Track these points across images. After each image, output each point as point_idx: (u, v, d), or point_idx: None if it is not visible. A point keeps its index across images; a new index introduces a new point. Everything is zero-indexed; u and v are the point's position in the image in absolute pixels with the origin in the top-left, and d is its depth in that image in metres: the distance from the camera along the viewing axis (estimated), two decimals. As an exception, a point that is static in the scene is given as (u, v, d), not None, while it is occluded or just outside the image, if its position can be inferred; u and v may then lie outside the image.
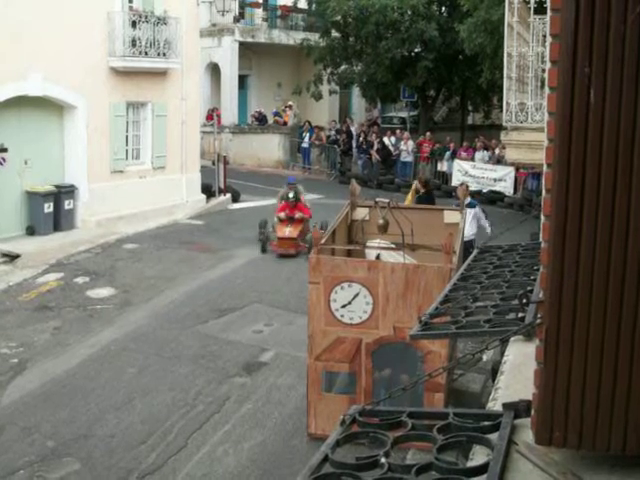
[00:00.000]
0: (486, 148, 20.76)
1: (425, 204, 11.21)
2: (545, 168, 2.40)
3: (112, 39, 15.36)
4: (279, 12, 27.80)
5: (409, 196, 12.51)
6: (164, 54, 16.33)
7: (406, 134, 22.69)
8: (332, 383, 7.80)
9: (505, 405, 2.67)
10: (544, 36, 7.66)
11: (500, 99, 13.02)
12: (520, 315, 2.92)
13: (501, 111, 9.42)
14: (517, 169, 19.05)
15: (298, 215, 14.32)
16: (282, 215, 14.25)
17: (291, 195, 14.49)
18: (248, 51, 26.32)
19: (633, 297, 2.28)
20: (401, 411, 2.65)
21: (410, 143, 22.14)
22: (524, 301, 2.82)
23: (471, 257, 4.15)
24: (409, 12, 22.44)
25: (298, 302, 10.96)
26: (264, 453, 7.24)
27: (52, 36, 14.04)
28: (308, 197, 18.87)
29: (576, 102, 2.23)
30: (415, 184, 12.71)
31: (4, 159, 14.04)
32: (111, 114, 15.68)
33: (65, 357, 9.37)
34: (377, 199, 8.81)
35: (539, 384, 2.40)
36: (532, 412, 2.49)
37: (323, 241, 7.44)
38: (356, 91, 27.90)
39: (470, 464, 2.42)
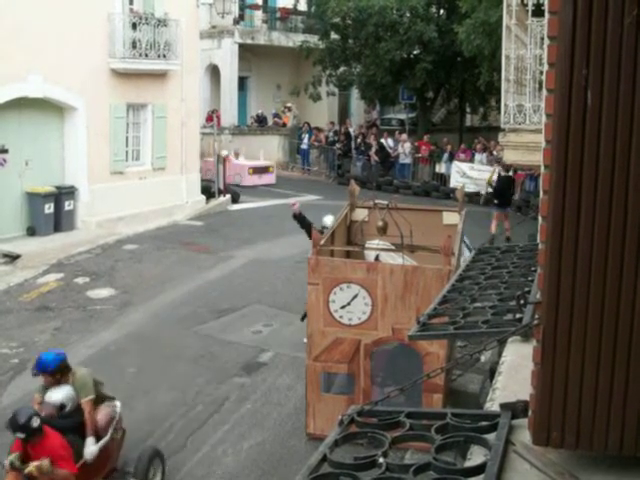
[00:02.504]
0: (485, 149, 20.78)
1: (507, 183, 16.12)
2: (542, 170, 2.41)
3: (112, 41, 15.36)
4: (279, 14, 27.81)
5: (491, 175, 16.85)
6: (164, 56, 16.33)
7: (403, 136, 22.70)
8: (331, 384, 7.81)
9: (503, 405, 2.68)
10: (542, 38, 7.68)
11: (498, 101, 13.05)
12: (518, 316, 2.93)
13: (499, 113, 9.44)
14: (515, 171, 19.04)
15: (36, 466, 5.53)
16: (12, 459, 5.60)
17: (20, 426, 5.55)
18: (248, 53, 26.32)
19: (630, 298, 2.30)
20: (399, 411, 2.66)
21: (407, 145, 22.15)
22: (522, 302, 2.84)
23: (469, 258, 4.16)
24: (408, 14, 22.45)
25: (297, 303, 10.96)
26: (263, 453, 7.26)
27: (52, 37, 14.04)
28: (306, 199, 18.80)
29: (573, 104, 2.25)
30: (495, 166, 17.00)
31: (5, 160, 14.05)
32: (111, 115, 15.69)
33: (65, 358, 9.37)
34: (376, 200, 8.82)
35: (536, 385, 2.42)
36: (529, 412, 2.50)
37: (322, 242, 7.45)
38: (355, 93, 27.90)
39: (468, 464, 2.43)
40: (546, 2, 2.51)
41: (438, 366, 5.92)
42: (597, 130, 2.24)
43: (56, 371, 6.06)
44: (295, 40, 26.34)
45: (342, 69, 24.93)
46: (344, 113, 29.31)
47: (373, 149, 22.55)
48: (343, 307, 7.15)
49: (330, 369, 7.47)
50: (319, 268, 7.14)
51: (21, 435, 5.56)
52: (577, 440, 2.38)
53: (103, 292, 11.89)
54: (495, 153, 19.70)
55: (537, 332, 2.42)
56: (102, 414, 6.35)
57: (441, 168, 21.50)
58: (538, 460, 2.43)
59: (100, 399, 6.36)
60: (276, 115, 26.26)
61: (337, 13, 22.67)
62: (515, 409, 2.63)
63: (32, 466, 5.56)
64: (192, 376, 8.92)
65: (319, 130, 24.57)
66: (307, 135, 24.28)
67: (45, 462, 5.55)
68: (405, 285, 6.96)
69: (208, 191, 18.61)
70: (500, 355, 3.65)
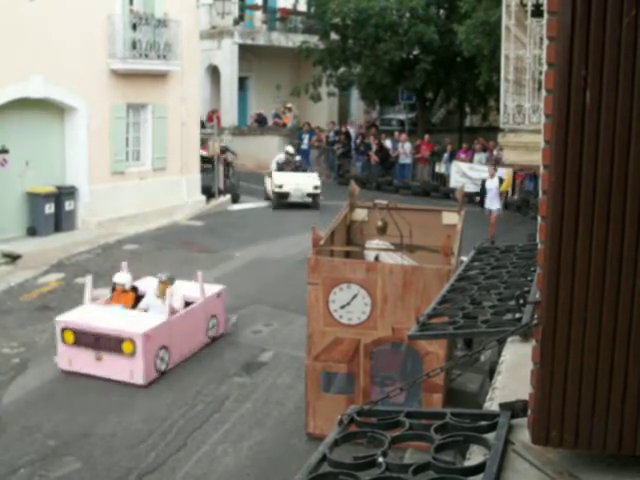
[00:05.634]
0: (485, 150, 20.79)
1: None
2: (542, 170, 2.42)
3: (112, 41, 15.38)
4: (278, 15, 27.83)
5: (509, 179, 17.42)
6: (164, 56, 16.35)
7: (403, 136, 22.72)
8: (331, 383, 7.82)
9: (502, 405, 2.69)
10: (541, 39, 7.70)
11: (497, 101, 13.08)
12: (517, 316, 2.94)
13: (498, 113, 9.47)
14: (514, 172, 19.05)
15: None
16: None
17: None
18: (248, 53, 26.33)
19: (628, 297, 2.30)
20: (399, 411, 2.67)
21: (407, 145, 22.16)
22: (521, 302, 2.84)
23: (469, 258, 4.17)
24: (408, 14, 22.46)
25: (297, 303, 10.97)
26: (263, 452, 7.27)
27: (53, 39, 14.06)
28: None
29: (572, 104, 2.26)
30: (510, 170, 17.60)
31: (5, 160, 14.06)
32: (112, 116, 15.71)
33: (65, 357, 9.38)
34: (375, 200, 8.84)
35: (535, 384, 2.42)
36: (529, 412, 2.51)
37: (322, 242, 7.46)
38: (355, 93, 27.91)
39: (467, 463, 2.44)
40: (545, 2, 2.51)
41: (438, 366, 5.93)
42: (596, 130, 2.25)
43: None
44: (295, 40, 26.35)
45: (342, 70, 24.94)
46: (344, 113, 29.32)
47: (373, 149, 22.56)
48: (343, 307, 7.16)
49: (330, 369, 7.48)
50: (319, 268, 7.15)
51: None
52: (576, 439, 2.39)
53: (104, 292, 11.88)
54: (495, 153, 19.71)
55: (536, 332, 2.42)
56: None
57: (441, 168, 21.51)
58: (537, 459, 2.44)
59: None
60: (276, 115, 26.28)
61: (337, 14, 22.68)
62: (514, 408, 2.64)
63: None
64: (192, 375, 8.93)
65: (320, 130, 24.61)
66: (308, 135, 24.31)
67: None
68: (405, 285, 6.97)
69: (208, 191, 18.63)
70: (499, 355, 3.66)
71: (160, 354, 8.69)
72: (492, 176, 16.56)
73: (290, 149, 20.51)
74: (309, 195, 18.84)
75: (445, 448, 2.44)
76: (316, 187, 18.94)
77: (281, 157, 20.03)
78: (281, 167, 19.70)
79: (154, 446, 7.31)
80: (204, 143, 19.62)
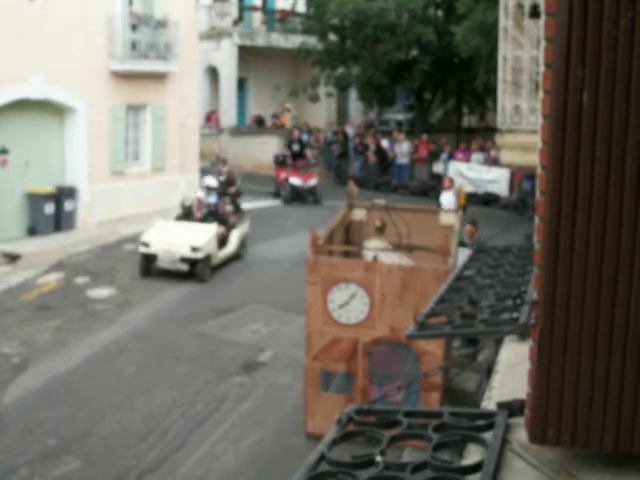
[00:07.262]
0: (482, 149, 20.81)
1: None
2: (539, 170, 2.44)
3: (112, 42, 15.38)
4: (277, 16, 27.84)
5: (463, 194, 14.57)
6: (163, 57, 16.36)
7: (401, 136, 22.74)
8: (329, 382, 7.84)
9: (499, 404, 2.70)
10: (538, 40, 7.74)
11: (495, 102, 13.11)
12: (514, 315, 2.95)
13: (496, 114, 9.50)
14: (512, 173, 19.06)
15: None
16: None
17: None
18: (247, 54, 26.34)
19: (625, 297, 2.32)
20: (397, 410, 2.68)
21: (405, 145, 22.18)
22: (518, 301, 2.86)
23: (466, 258, 4.19)
24: (406, 16, 22.48)
25: (296, 302, 10.99)
26: (262, 451, 7.29)
27: (53, 40, 14.06)
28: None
29: (569, 105, 2.28)
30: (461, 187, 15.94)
31: (5, 161, 14.07)
32: (111, 116, 15.71)
33: (66, 356, 9.41)
34: (374, 200, 8.86)
35: (533, 383, 2.44)
36: (526, 411, 2.52)
37: (321, 242, 7.48)
38: (353, 94, 27.93)
39: (465, 462, 2.46)
40: (542, 4, 2.53)
41: (435, 365, 5.96)
42: (593, 131, 2.27)
43: None
44: (294, 41, 26.37)
45: (340, 70, 24.97)
46: (342, 114, 29.34)
47: (371, 149, 22.56)
48: (341, 306, 7.18)
49: (329, 368, 7.50)
50: (317, 267, 7.17)
51: None
52: (573, 438, 2.41)
53: (103, 292, 11.91)
54: (493, 153, 19.72)
55: (533, 331, 2.44)
56: None
57: (439, 168, 21.54)
58: (535, 458, 2.46)
59: None
60: (275, 116, 26.31)
61: (336, 15, 22.71)
62: (512, 408, 2.65)
63: None
64: (191, 375, 8.95)
65: (319, 130, 24.64)
66: (306, 136, 24.32)
67: None
68: (403, 284, 6.99)
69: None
70: (497, 354, 3.68)
71: None
72: (449, 188, 14.03)
73: (211, 182, 13.67)
74: (184, 260, 12.20)
75: (443, 447, 2.45)
76: (195, 249, 12.07)
77: (200, 194, 13.60)
78: (187, 213, 13.14)
79: (154, 445, 7.32)
80: None
